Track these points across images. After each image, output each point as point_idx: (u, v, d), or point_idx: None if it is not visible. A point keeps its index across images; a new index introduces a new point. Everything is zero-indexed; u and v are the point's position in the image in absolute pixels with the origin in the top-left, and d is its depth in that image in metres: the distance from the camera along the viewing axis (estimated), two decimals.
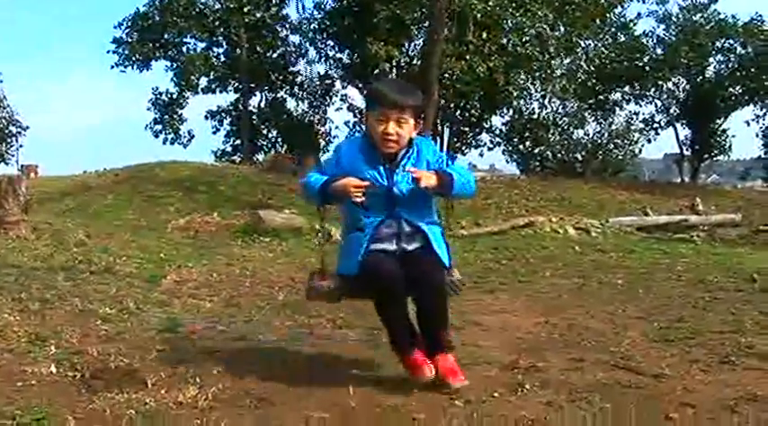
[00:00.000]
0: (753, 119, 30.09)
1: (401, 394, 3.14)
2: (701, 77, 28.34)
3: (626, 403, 2.90)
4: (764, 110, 29.68)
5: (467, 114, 24.94)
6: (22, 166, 29.65)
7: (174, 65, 28.16)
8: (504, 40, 19.54)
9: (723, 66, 28.23)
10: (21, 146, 37.52)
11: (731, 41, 27.45)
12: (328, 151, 25.57)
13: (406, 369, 3.27)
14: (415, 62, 22.36)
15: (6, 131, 36.54)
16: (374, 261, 3.21)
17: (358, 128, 25.81)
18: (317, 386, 3.29)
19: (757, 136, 31.54)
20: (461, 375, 3.18)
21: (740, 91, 28.01)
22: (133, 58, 27.13)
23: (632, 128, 30.26)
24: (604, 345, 3.95)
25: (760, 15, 26.97)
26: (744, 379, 3.19)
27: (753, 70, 26.58)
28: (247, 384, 3.33)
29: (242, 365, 3.65)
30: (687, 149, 30.87)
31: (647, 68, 27.40)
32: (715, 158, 32.41)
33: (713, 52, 27.86)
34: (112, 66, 27.17)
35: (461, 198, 3.46)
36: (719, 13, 27.56)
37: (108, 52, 27.25)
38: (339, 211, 3.57)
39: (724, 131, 30.26)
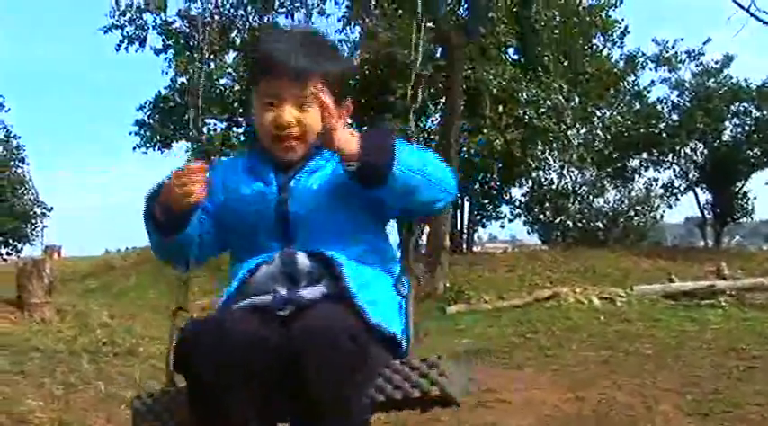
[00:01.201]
0: None
1: None
2: (717, 141, 28.35)
3: None
4: None
5: (486, 187, 25.04)
6: (45, 247, 30.00)
7: (195, 145, 28.66)
8: (520, 113, 19.73)
9: (739, 129, 28.30)
10: (45, 227, 37.97)
11: (745, 105, 27.57)
12: None
13: None
14: (432, 137, 22.63)
15: (31, 213, 37.08)
16: (195, 327, 1.68)
17: None
18: None
19: None
20: None
21: (758, 153, 27.97)
22: (155, 139, 27.70)
23: (652, 194, 30.20)
24: (636, 421, 3.86)
25: None
26: None
27: None
28: None
29: None
30: (709, 213, 30.67)
31: (664, 135, 27.48)
32: (738, 221, 32.14)
33: (728, 116, 27.98)
34: (134, 148, 27.70)
35: (422, 203, 1.75)
36: (732, 78, 27.79)
37: (130, 133, 27.86)
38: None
39: (745, 194, 30.09)
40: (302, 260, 1.76)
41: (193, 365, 1.57)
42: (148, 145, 27.96)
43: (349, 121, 1.89)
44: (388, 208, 1.84)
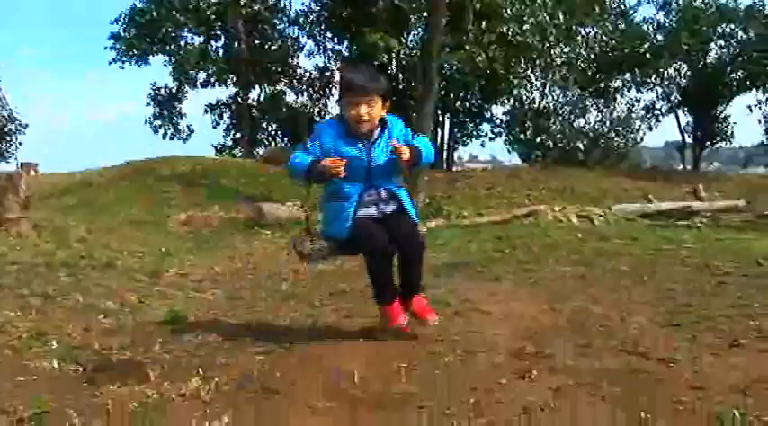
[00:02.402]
0: (755, 105, 29.96)
1: (407, 381, 3.11)
2: (702, 63, 28.20)
3: (635, 388, 2.86)
4: (766, 96, 29.52)
5: (467, 104, 24.85)
6: (21, 164, 29.56)
7: (173, 59, 28.06)
8: (504, 30, 19.40)
9: (725, 51, 28.10)
10: (20, 144, 37.46)
11: (732, 26, 27.30)
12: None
13: (384, 318, 3.90)
14: (414, 53, 22.25)
15: (6, 129, 36.47)
16: (365, 227, 3.75)
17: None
18: (322, 374, 3.26)
19: (759, 122, 31.45)
20: (434, 313, 3.95)
21: (742, 76, 27.88)
22: (131, 53, 27.03)
23: (633, 115, 30.19)
24: (611, 331, 3.90)
25: (762, 0, 26.83)
26: (754, 362, 3.14)
27: (755, 55, 26.43)
28: (251, 374, 3.30)
29: (245, 356, 3.62)
30: (689, 136, 30.77)
31: (648, 55, 27.24)
32: (717, 145, 32.28)
33: (714, 38, 27.73)
34: (110, 62, 27.07)
35: (425, 165, 4.05)
36: None
37: (105, 48, 27.15)
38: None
39: (726, 118, 30.16)
40: (383, 193, 3.86)
41: (372, 239, 3.74)
42: (125, 59, 27.32)
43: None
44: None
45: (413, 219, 3.91)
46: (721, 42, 27.99)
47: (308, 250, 4.01)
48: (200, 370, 3.33)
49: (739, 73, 27.71)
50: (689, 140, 30.89)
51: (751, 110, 30.04)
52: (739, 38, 27.46)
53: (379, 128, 3.84)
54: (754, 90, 28.78)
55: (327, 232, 3.96)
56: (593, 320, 4.22)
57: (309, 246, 4.00)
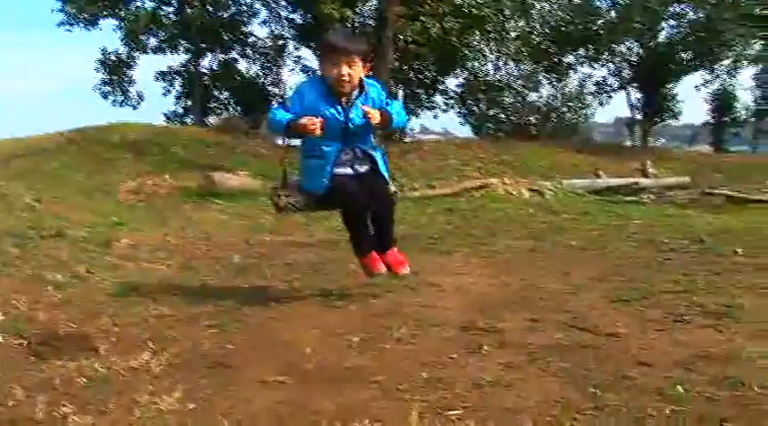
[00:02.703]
0: (702, 84, 30.64)
1: (359, 355, 3.12)
2: (653, 42, 28.58)
3: (584, 363, 2.92)
4: (713, 76, 30.18)
5: (421, 76, 24.81)
6: None
7: (123, 24, 27.33)
8: (459, 1, 19.35)
9: (675, 31, 28.52)
10: None
11: (683, 6, 27.68)
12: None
13: (363, 267, 4.19)
14: (368, 23, 22.08)
15: None
16: (341, 183, 4.01)
17: None
18: (274, 348, 3.26)
19: (705, 101, 32.16)
20: (406, 264, 4.23)
21: (690, 56, 28.36)
22: (80, 16, 26.22)
23: (585, 91, 30.53)
24: (560, 306, 3.97)
25: None
26: (698, 338, 3.23)
27: (703, 35, 26.89)
28: (202, 348, 3.28)
29: (197, 329, 3.59)
30: (639, 113, 31.25)
31: (601, 32, 27.50)
32: (665, 122, 32.87)
33: (665, 17, 28.09)
34: (58, 25, 26.23)
35: (396, 128, 4.47)
36: None
37: (53, 11, 26.27)
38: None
39: (674, 96, 30.72)
40: (358, 152, 4.12)
41: (348, 195, 3.99)
42: (73, 22, 26.49)
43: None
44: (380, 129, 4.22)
45: (385, 179, 4.18)
46: (672, 22, 28.40)
47: (284, 202, 4.23)
48: (151, 343, 3.30)
49: (688, 52, 28.18)
50: (638, 117, 31.38)
51: (698, 90, 30.74)
52: (689, 18, 27.88)
53: (357, 91, 4.05)
54: (702, 70, 29.39)
55: (305, 186, 4.21)
56: (543, 294, 4.30)
57: (286, 199, 4.23)
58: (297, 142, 4.38)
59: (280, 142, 4.48)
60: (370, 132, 4.16)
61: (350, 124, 4.01)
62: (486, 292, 4.44)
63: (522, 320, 3.65)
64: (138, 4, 27.54)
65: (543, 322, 3.60)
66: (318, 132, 3.84)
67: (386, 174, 4.20)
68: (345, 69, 3.91)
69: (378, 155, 4.19)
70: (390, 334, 3.41)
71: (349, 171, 4.08)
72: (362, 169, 4.13)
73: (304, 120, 3.85)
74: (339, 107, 4.00)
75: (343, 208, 4.09)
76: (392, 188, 4.37)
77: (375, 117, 3.91)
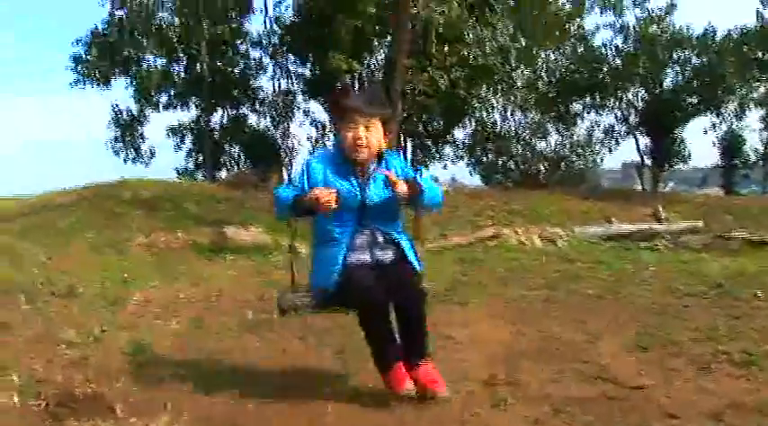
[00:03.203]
0: (709, 128, 30.72)
1: (379, 412, 3.07)
2: (658, 88, 28.77)
3: (609, 416, 2.86)
4: (720, 119, 30.28)
5: (429, 127, 24.97)
6: None
7: (134, 82, 27.78)
8: (466, 53, 19.58)
9: (680, 76, 28.70)
10: None
11: (686, 52, 27.93)
12: (291, 167, 25.32)
13: (386, 383, 3.30)
14: (376, 76, 22.34)
15: None
16: (355, 275, 3.28)
17: (321, 143, 25.74)
18: (293, 406, 3.21)
19: (714, 144, 32.20)
20: (443, 385, 3.26)
21: (696, 101, 28.50)
22: (93, 76, 26.69)
23: (593, 138, 30.64)
24: (580, 356, 3.92)
25: (713, 27, 27.55)
26: (725, 387, 3.17)
27: (707, 81, 27.07)
28: (220, 407, 3.24)
29: (213, 388, 3.55)
30: (647, 158, 31.29)
31: (607, 79, 27.73)
32: (674, 166, 32.89)
33: (670, 63, 28.32)
34: (71, 85, 26.68)
35: (430, 209, 3.66)
36: (675, 25, 28.11)
37: (66, 69, 26.74)
38: (310, 225, 3.58)
39: (682, 140, 30.77)
40: (379, 236, 3.43)
41: (362, 289, 3.22)
42: (86, 81, 26.95)
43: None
44: (408, 207, 3.60)
45: (414, 270, 3.43)
46: (677, 67, 28.61)
47: (288, 303, 3.56)
48: (167, 404, 3.26)
49: (694, 97, 28.33)
50: (647, 162, 31.41)
51: (706, 133, 30.82)
52: (693, 64, 28.10)
53: (375, 162, 3.47)
54: (708, 114, 29.48)
55: (314, 281, 3.51)
56: (562, 345, 4.24)
57: (291, 299, 3.55)
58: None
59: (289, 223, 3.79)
60: (395, 212, 3.49)
61: (367, 201, 3.38)
62: (504, 344, 4.38)
63: (543, 372, 3.59)
64: (150, 62, 28.02)
65: (564, 373, 3.56)
66: (333, 205, 3.22)
67: (416, 264, 3.46)
68: (362, 131, 3.36)
69: (404, 242, 3.48)
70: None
71: (367, 258, 3.39)
72: (385, 257, 3.42)
73: (315, 192, 3.24)
74: (354, 180, 3.41)
75: (357, 307, 3.30)
76: (422, 281, 3.50)
77: (401, 186, 3.26)
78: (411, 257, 3.45)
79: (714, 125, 30.55)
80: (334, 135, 3.43)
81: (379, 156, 3.48)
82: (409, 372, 3.26)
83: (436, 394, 3.20)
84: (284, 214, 3.58)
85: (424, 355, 3.34)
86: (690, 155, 30.98)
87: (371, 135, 3.40)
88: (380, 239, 3.43)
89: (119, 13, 25.95)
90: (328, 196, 3.22)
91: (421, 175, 3.49)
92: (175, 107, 28.51)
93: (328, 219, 3.35)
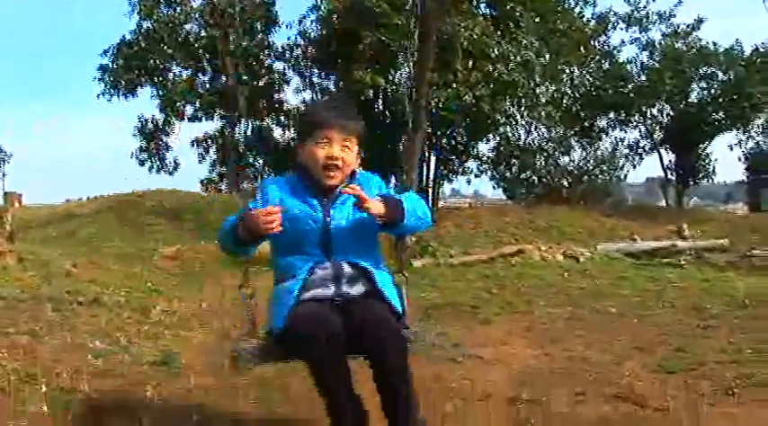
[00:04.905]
0: (735, 144, 30.46)
1: None
2: (684, 103, 28.60)
3: None
4: (746, 135, 30.02)
5: (453, 142, 25.00)
6: (5, 194, 29.32)
7: (160, 92, 28.12)
8: (490, 68, 19.61)
9: (705, 92, 28.52)
10: (4, 174, 37.25)
11: (713, 68, 27.76)
12: None
13: None
14: (400, 90, 22.42)
15: None
16: (303, 312, 2.58)
17: None
18: (320, 421, 3.23)
19: (739, 160, 31.93)
20: None
21: (722, 116, 28.29)
22: (119, 85, 27.03)
23: (618, 153, 30.51)
24: (605, 377, 3.91)
25: (740, 43, 27.39)
26: (750, 411, 3.15)
27: (734, 96, 26.87)
28: (246, 419, 3.27)
29: (240, 401, 3.58)
30: (672, 173, 31.09)
31: (632, 95, 27.62)
32: (698, 182, 32.66)
33: (696, 79, 28.16)
34: (99, 95, 27.05)
35: (413, 231, 2.85)
36: (701, 40, 27.98)
37: (94, 79, 27.12)
38: (270, 262, 2.94)
39: (707, 156, 30.56)
40: (346, 267, 2.74)
41: (308, 329, 2.50)
42: (112, 92, 27.31)
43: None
44: (388, 231, 2.81)
45: (391, 307, 2.70)
46: (703, 83, 28.44)
47: (238, 351, 2.81)
48: (194, 416, 3.30)
49: (720, 113, 28.13)
50: (671, 177, 31.21)
51: (731, 149, 30.55)
52: (719, 79, 27.92)
53: (344, 184, 2.78)
54: (734, 130, 29.25)
55: (270, 325, 2.82)
56: (586, 365, 4.24)
57: (241, 347, 2.83)
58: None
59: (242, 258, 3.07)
60: (369, 239, 2.82)
61: (331, 226, 2.74)
62: (529, 363, 4.38)
63: (567, 392, 3.59)
64: (176, 73, 28.35)
65: (588, 394, 3.55)
66: (277, 227, 2.54)
67: (394, 302, 2.74)
68: (337, 151, 2.75)
69: (380, 275, 2.78)
70: (435, 410, 3.36)
71: (328, 292, 2.70)
72: (353, 291, 2.72)
73: (257, 211, 2.59)
74: (315, 201, 2.77)
75: (298, 348, 2.55)
76: (404, 326, 2.77)
77: (374, 205, 2.58)
78: (389, 293, 2.74)
79: (740, 141, 30.30)
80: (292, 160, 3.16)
81: (351, 176, 2.84)
82: None
83: None
84: (227, 244, 2.82)
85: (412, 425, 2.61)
86: (714, 170, 30.76)
87: (347, 155, 2.79)
88: (348, 270, 2.74)
89: (146, 24, 26.25)
90: (270, 215, 2.54)
91: (402, 194, 2.83)
92: (200, 119, 28.82)
93: (288, 250, 2.77)
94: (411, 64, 17.21)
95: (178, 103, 27.88)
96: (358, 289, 2.72)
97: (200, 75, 28.74)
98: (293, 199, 2.76)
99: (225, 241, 2.81)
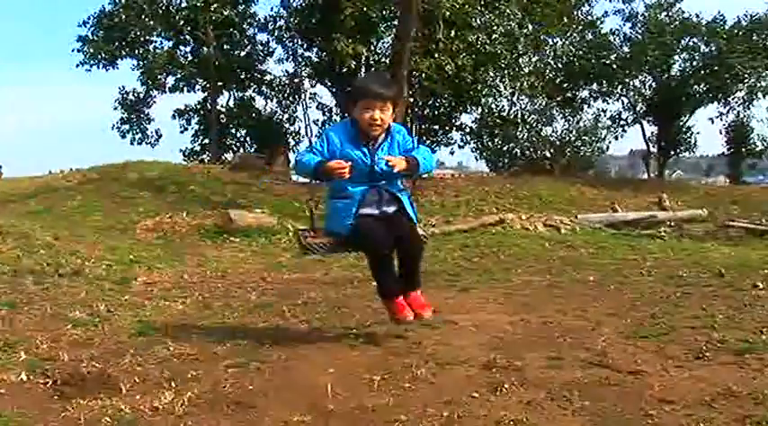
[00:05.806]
0: (716, 117, 30.60)
1: (380, 395, 3.12)
2: (666, 75, 28.68)
3: (605, 401, 2.91)
4: (727, 108, 30.15)
5: (436, 112, 24.95)
6: None
7: (141, 63, 27.78)
8: (473, 38, 19.54)
9: (688, 64, 28.61)
10: None
11: (695, 40, 27.81)
12: (297, 150, 25.28)
13: (389, 310, 4.14)
14: (383, 60, 22.30)
15: None
16: (366, 226, 4.01)
17: (328, 126, 25.73)
18: (296, 388, 3.27)
19: (720, 133, 32.13)
20: (429, 308, 4.20)
21: (704, 89, 28.40)
22: (99, 57, 26.66)
23: (600, 125, 30.61)
24: (580, 342, 3.96)
25: (722, 15, 27.43)
26: (719, 375, 3.21)
27: (716, 68, 26.95)
28: (223, 388, 3.29)
29: (217, 368, 3.61)
30: (653, 146, 31.26)
31: (614, 66, 27.66)
32: (680, 155, 32.86)
33: (678, 50, 28.21)
34: (78, 65, 26.66)
35: (423, 174, 4.41)
36: (684, 12, 28.00)
37: (73, 51, 26.74)
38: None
39: (689, 129, 30.73)
40: (385, 193, 4.12)
41: (373, 237, 3.99)
42: (92, 62, 26.94)
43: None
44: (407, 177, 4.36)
45: (413, 221, 4.18)
46: (685, 55, 28.51)
47: (309, 243, 4.26)
48: (173, 383, 3.32)
49: (702, 85, 28.23)
50: (653, 149, 31.38)
51: (713, 122, 30.71)
52: (702, 51, 27.98)
53: (383, 135, 4.14)
54: (715, 102, 29.39)
55: (330, 228, 4.22)
56: (562, 331, 4.29)
57: (311, 241, 4.26)
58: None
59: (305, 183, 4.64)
60: (397, 174, 4.12)
61: (376, 167, 4.06)
62: (506, 329, 4.43)
63: (543, 357, 3.64)
64: (156, 44, 28.00)
65: (563, 359, 3.60)
66: (346, 175, 3.91)
67: (414, 216, 4.20)
68: (378, 114, 4.02)
69: (404, 198, 4.18)
70: (411, 373, 3.41)
71: (375, 211, 4.08)
72: (389, 210, 4.13)
73: (332, 164, 3.92)
74: (366, 150, 4.08)
75: (368, 251, 4.13)
76: (421, 230, 4.37)
77: (399, 164, 3.98)
78: (410, 211, 4.18)
79: (721, 114, 30.42)
80: (346, 113, 4.40)
81: (387, 129, 4.15)
82: (405, 298, 4.09)
83: (422, 315, 4.11)
84: (306, 176, 4.34)
85: (417, 286, 4.19)
86: (696, 143, 30.98)
87: (385, 116, 4.05)
88: (386, 196, 4.12)
89: None
90: (344, 168, 3.90)
91: (419, 146, 4.29)
92: (182, 89, 28.52)
93: (344, 180, 4.01)
94: (392, 33, 17.15)
95: (159, 76, 27.58)
96: (392, 208, 4.13)
97: (181, 46, 28.41)
98: (350, 147, 4.06)
99: (303, 174, 4.45)
